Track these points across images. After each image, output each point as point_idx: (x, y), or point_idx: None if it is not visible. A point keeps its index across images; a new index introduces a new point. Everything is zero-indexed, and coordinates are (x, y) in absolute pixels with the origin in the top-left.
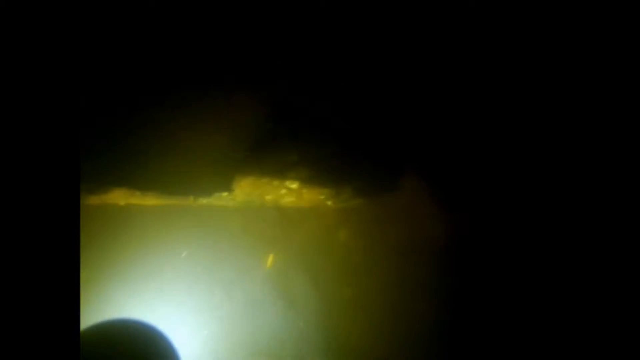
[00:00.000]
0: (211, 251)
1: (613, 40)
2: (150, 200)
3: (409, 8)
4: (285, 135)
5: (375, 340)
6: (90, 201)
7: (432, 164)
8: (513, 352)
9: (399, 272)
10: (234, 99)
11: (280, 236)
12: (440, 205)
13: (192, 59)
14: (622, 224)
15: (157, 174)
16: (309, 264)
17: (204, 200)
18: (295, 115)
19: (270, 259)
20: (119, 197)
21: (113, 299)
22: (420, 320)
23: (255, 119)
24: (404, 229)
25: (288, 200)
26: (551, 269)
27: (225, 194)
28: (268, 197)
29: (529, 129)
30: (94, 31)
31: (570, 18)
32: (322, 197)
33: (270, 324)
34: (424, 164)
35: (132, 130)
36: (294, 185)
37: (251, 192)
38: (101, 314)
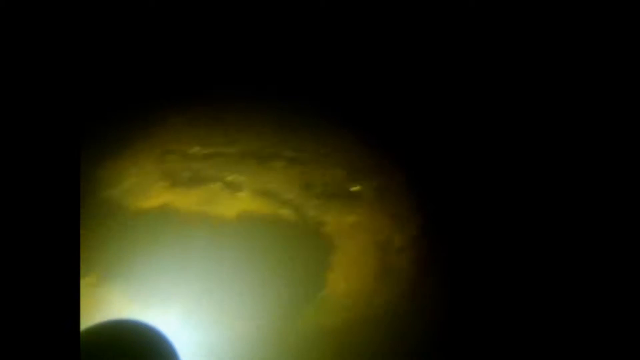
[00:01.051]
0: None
1: (613, 40)
2: None
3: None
4: None
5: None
6: None
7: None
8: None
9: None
10: None
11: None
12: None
13: None
14: (616, 225)
15: None
16: None
17: None
18: None
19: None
20: None
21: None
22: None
23: None
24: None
25: None
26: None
27: None
28: None
29: (519, 129)
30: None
31: (569, 18)
32: None
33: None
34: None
35: None
36: None
37: None
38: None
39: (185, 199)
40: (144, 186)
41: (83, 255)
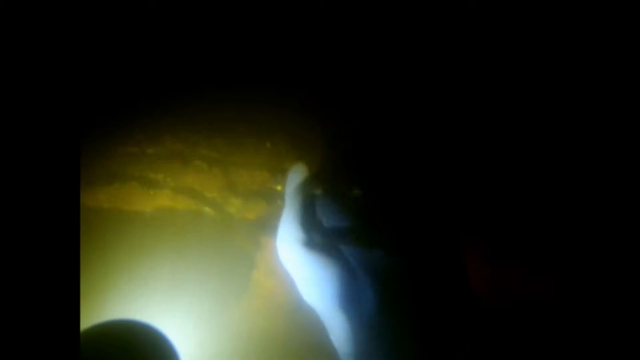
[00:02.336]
0: None
1: (613, 40)
2: None
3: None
4: None
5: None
6: None
7: None
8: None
9: None
10: None
11: None
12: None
13: None
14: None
15: None
16: None
17: None
18: None
19: None
20: None
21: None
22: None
23: None
24: None
25: None
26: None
27: None
28: None
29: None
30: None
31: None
32: None
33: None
34: None
35: None
36: None
37: None
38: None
39: (95, 197)
40: None
41: None
